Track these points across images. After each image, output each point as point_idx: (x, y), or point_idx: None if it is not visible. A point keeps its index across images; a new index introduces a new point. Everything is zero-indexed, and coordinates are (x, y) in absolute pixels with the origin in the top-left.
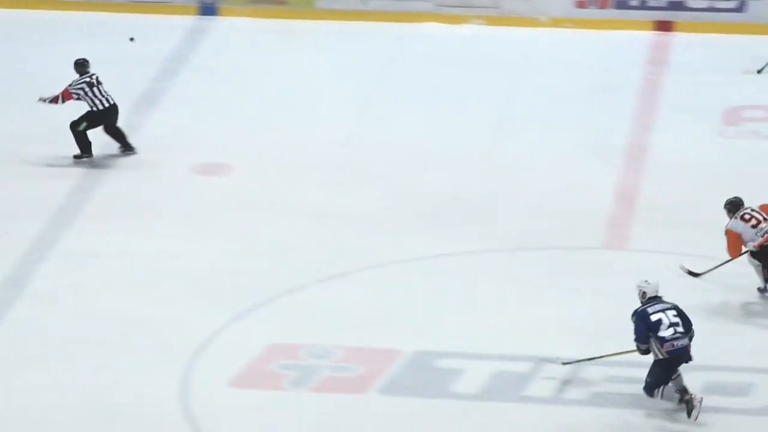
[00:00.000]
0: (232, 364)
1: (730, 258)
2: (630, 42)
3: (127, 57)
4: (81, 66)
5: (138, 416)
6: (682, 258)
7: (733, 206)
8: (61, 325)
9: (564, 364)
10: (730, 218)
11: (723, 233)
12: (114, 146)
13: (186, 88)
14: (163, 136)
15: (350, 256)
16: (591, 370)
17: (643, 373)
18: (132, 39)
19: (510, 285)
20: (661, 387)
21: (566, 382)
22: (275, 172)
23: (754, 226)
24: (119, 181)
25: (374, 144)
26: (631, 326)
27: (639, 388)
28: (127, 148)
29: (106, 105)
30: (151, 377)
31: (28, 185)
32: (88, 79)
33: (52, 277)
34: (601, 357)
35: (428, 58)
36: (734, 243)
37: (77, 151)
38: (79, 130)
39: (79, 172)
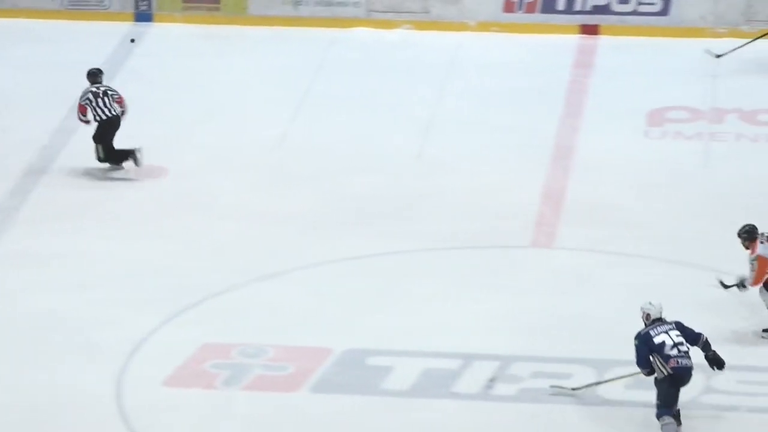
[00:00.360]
0: (166, 364)
1: (753, 285)
2: (556, 45)
3: (64, 63)
4: (92, 76)
5: (73, 416)
6: (607, 256)
7: (751, 234)
8: None
9: (573, 389)
10: (750, 245)
11: (750, 262)
12: (56, 153)
13: (122, 93)
14: None
15: (283, 257)
16: (518, 367)
17: (568, 369)
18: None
19: (440, 283)
20: (667, 421)
21: (494, 379)
22: (209, 175)
23: None
24: (55, 184)
25: (306, 146)
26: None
27: (561, 383)
28: (113, 163)
29: (109, 115)
30: (85, 377)
31: None
32: (94, 89)
33: None
34: (607, 381)
35: (359, 62)
36: (764, 270)
37: (127, 164)
38: (103, 157)
39: (16, 175)
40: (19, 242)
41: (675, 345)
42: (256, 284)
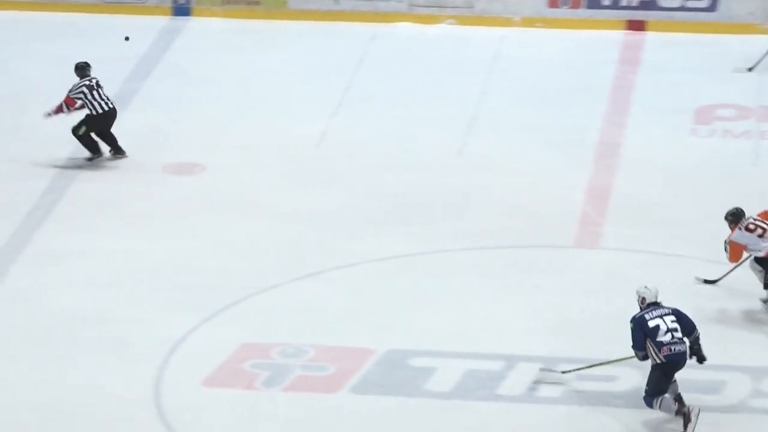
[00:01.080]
0: (205, 364)
1: (734, 264)
2: (602, 41)
3: (101, 58)
4: (81, 69)
5: (111, 416)
6: (652, 256)
7: (735, 217)
8: (32, 325)
9: (563, 372)
10: (733, 229)
11: (724, 243)
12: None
13: (159, 88)
14: (136, 136)
15: (322, 256)
16: (562, 368)
17: (613, 371)
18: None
19: (482, 283)
20: (660, 398)
21: (538, 381)
22: (247, 172)
23: (760, 236)
24: (92, 181)
25: (346, 143)
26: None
27: (608, 386)
28: (117, 151)
29: (106, 109)
30: (123, 377)
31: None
32: (87, 83)
33: (26, 278)
34: (600, 364)
35: (401, 57)
36: (736, 252)
37: (87, 153)
38: (79, 134)
39: (51, 172)
40: (54, 239)
41: (669, 330)
42: (295, 283)
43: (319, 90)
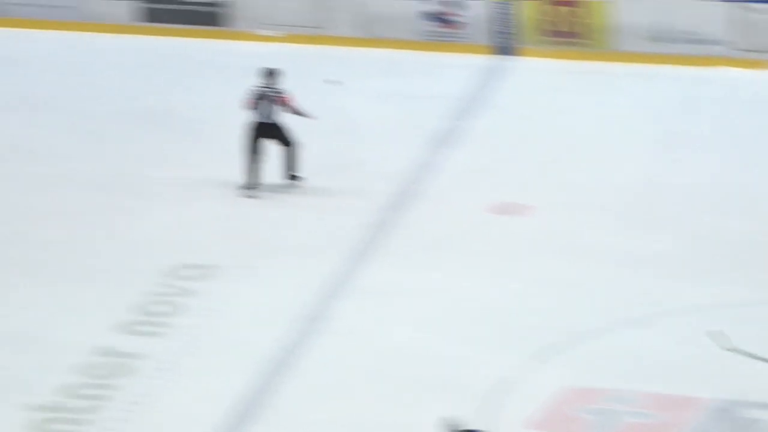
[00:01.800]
0: (530, 406)
1: None
2: None
3: (420, 95)
4: (266, 76)
5: None
6: None
7: None
8: (363, 362)
9: (728, 350)
10: None
11: None
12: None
13: (483, 127)
14: (460, 174)
15: (646, 300)
16: None
17: None
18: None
19: None
20: None
21: None
22: (571, 213)
23: None
24: (414, 217)
25: (673, 187)
26: None
27: None
28: (292, 176)
29: (265, 121)
30: (444, 415)
31: (322, 220)
32: (263, 90)
33: (349, 313)
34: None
35: (724, 102)
36: None
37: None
38: (251, 155)
39: (375, 207)
40: (381, 275)
41: None
42: (619, 328)
43: (642, 132)
